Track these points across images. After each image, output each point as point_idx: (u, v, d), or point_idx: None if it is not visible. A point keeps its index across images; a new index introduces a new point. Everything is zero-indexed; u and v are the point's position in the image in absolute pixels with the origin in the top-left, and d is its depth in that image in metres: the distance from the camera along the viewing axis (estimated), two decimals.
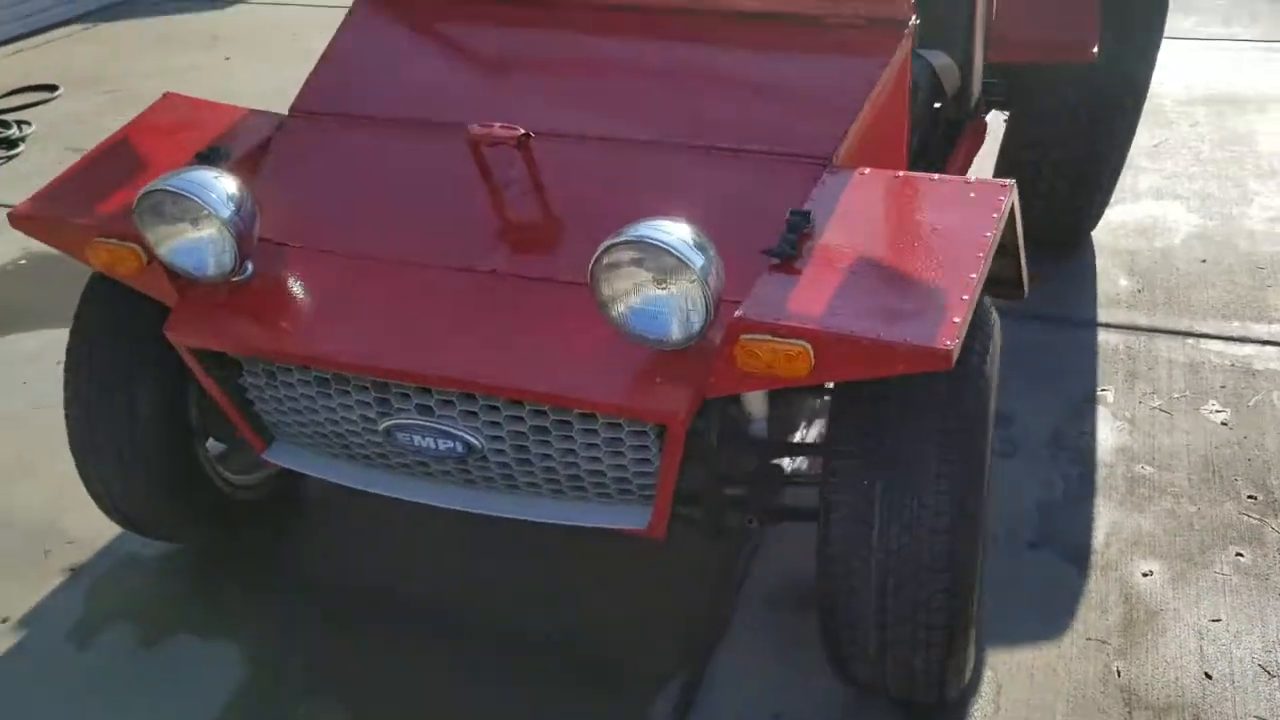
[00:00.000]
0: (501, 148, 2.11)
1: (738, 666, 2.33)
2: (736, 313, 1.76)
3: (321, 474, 2.24)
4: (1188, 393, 3.09)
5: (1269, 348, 3.28)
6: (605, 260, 1.76)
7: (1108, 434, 2.95)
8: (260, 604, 2.58)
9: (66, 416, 2.39)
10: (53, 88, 6.03)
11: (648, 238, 1.73)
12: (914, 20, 2.33)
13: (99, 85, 6.11)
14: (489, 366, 1.94)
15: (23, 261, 4.21)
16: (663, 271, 1.75)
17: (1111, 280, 3.68)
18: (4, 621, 2.56)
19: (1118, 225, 4.01)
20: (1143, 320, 3.45)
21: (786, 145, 2.14)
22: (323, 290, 2.11)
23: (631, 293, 1.79)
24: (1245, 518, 2.64)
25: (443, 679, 2.34)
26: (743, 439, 2.08)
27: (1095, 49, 3.17)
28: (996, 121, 3.52)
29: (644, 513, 2.05)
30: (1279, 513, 2.66)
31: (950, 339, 1.67)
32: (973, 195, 2.01)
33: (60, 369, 2.41)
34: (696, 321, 1.77)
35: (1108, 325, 3.43)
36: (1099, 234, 3.91)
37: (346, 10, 2.68)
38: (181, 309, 2.14)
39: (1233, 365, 3.20)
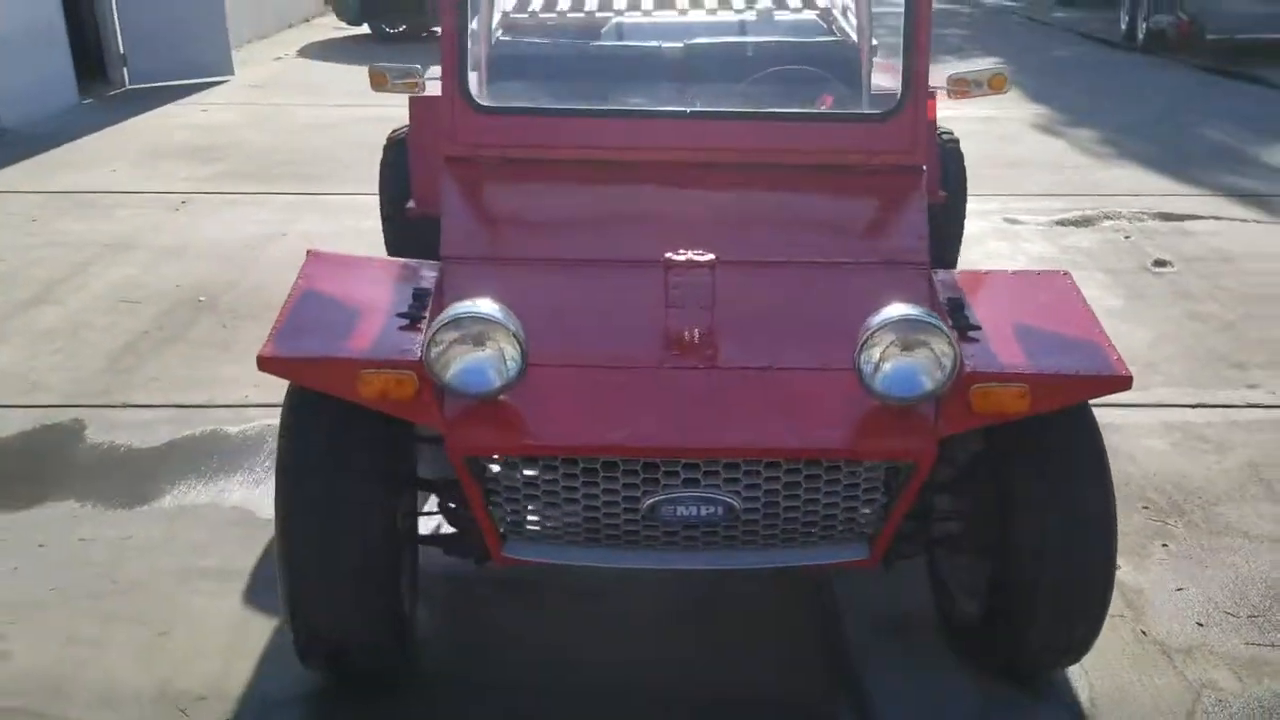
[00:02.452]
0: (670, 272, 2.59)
1: (890, 687, 2.84)
2: (967, 368, 2.38)
3: (567, 560, 2.55)
4: None
5: None
6: (874, 338, 2.32)
7: None
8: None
9: (286, 550, 2.50)
10: None
11: (909, 316, 2.33)
12: (924, 166, 3.12)
13: None
14: (753, 436, 2.41)
15: None
16: (916, 340, 2.34)
17: None
18: None
19: None
20: None
21: (894, 256, 2.82)
22: (577, 394, 2.48)
23: (885, 361, 2.36)
24: (1155, 522, 3.56)
25: None
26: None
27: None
28: None
29: (863, 547, 2.57)
30: (1180, 513, 3.60)
31: (1125, 368, 2.39)
32: (1040, 278, 2.79)
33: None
34: (941, 378, 2.36)
35: None
36: None
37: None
38: (459, 424, 2.41)
39: None
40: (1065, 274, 2.82)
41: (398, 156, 4.64)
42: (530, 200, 3.05)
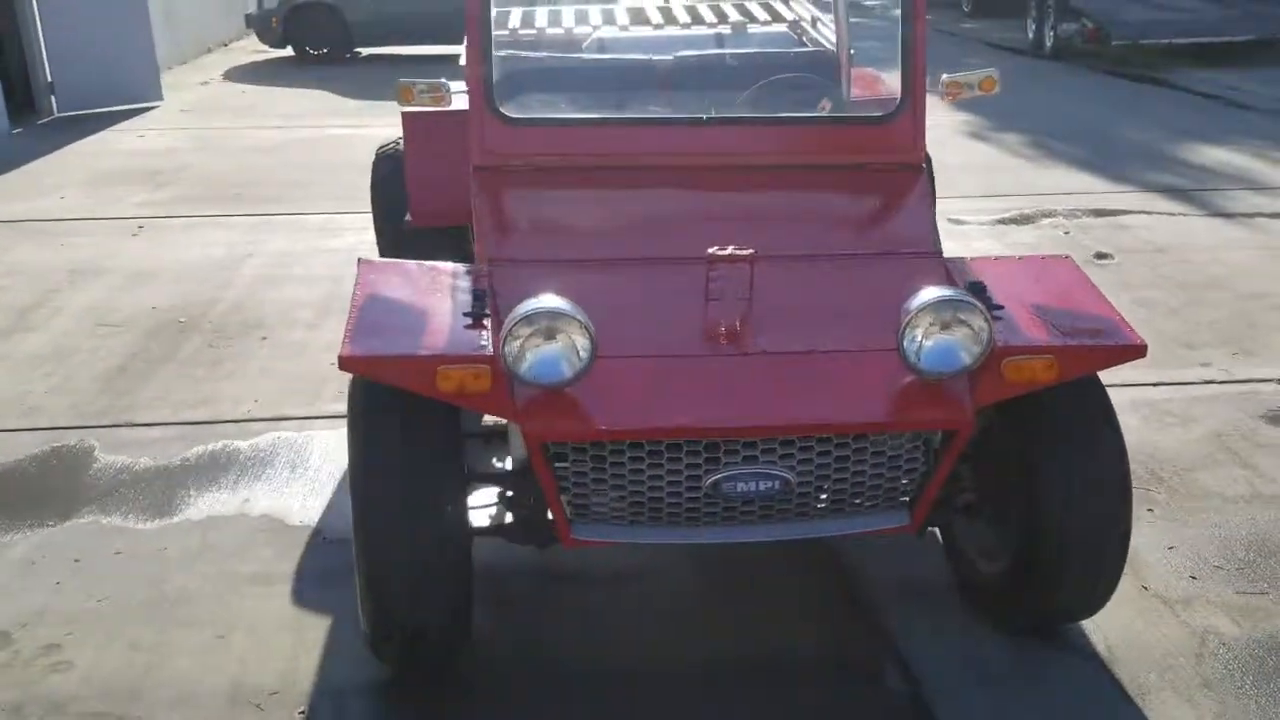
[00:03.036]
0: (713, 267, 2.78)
1: (923, 647, 3.03)
2: (998, 343, 2.60)
3: (636, 540, 2.71)
4: None
5: None
6: (916, 318, 2.53)
7: None
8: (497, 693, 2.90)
9: (366, 544, 2.62)
10: None
11: (947, 296, 2.54)
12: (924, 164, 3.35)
13: None
14: (806, 413, 2.60)
15: None
16: (957, 319, 2.55)
17: None
18: None
19: None
20: None
21: (910, 246, 3.04)
22: (638, 382, 2.65)
23: (926, 338, 2.56)
24: (1139, 490, 3.83)
25: None
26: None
27: None
28: None
29: (904, 514, 2.77)
30: (1159, 481, 3.88)
31: (1139, 338, 2.64)
32: (1047, 260, 3.03)
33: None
34: (978, 352, 2.58)
35: None
36: None
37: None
38: (534, 414, 2.56)
39: None
40: (1068, 258, 3.07)
41: (389, 172, 4.74)
42: (565, 205, 3.20)
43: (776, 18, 4.81)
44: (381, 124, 10.33)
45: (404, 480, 2.63)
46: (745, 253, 2.77)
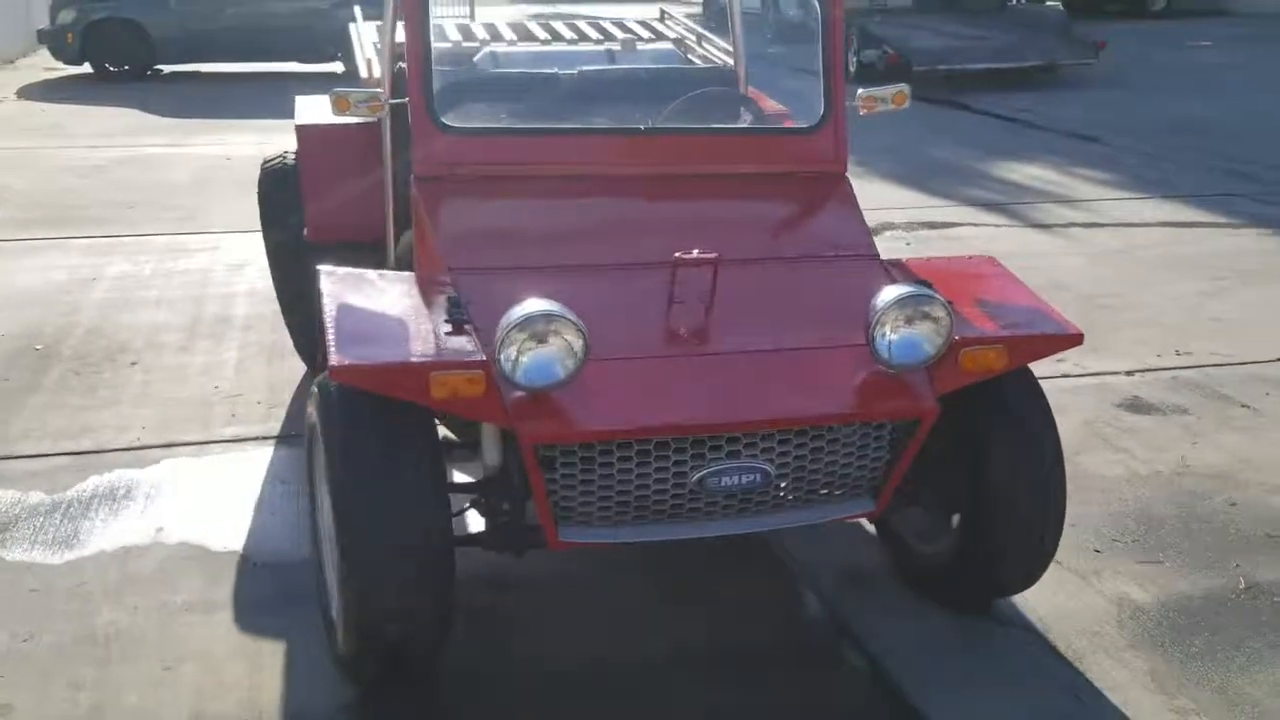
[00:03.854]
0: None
1: (875, 628, 3.18)
2: (956, 335, 2.77)
3: (621, 539, 2.75)
4: None
5: None
6: (884, 315, 2.68)
7: None
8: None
9: (351, 559, 2.56)
10: None
11: (913, 293, 2.70)
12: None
13: None
14: (786, 407, 2.72)
15: None
16: (921, 314, 2.71)
17: None
18: None
19: None
20: None
21: (851, 249, 3.19)
22: (622, 383, 2.70)
23: (893, 333, 2.72)
24: None
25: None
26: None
27: None
28: None
29: (869, 501, 2.92)
30: None
31: (1075, 328, 2.86)
32: (972, 260, 3.24)
33: None
34: (940, 343, 2.75)
35: None
36: None
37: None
38: (527, 417, 2.57)
39: None
40: (991, 258, 3.29)
41: (278, 186, 4.61)
42: (518, 214, 3.22)
43: (659, 36, 4.95)
44: (202, 142, 10.00)
45: (391, 492, 2.59)
46: (710, 256, 2.87)
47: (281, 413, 4.51)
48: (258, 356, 5.09)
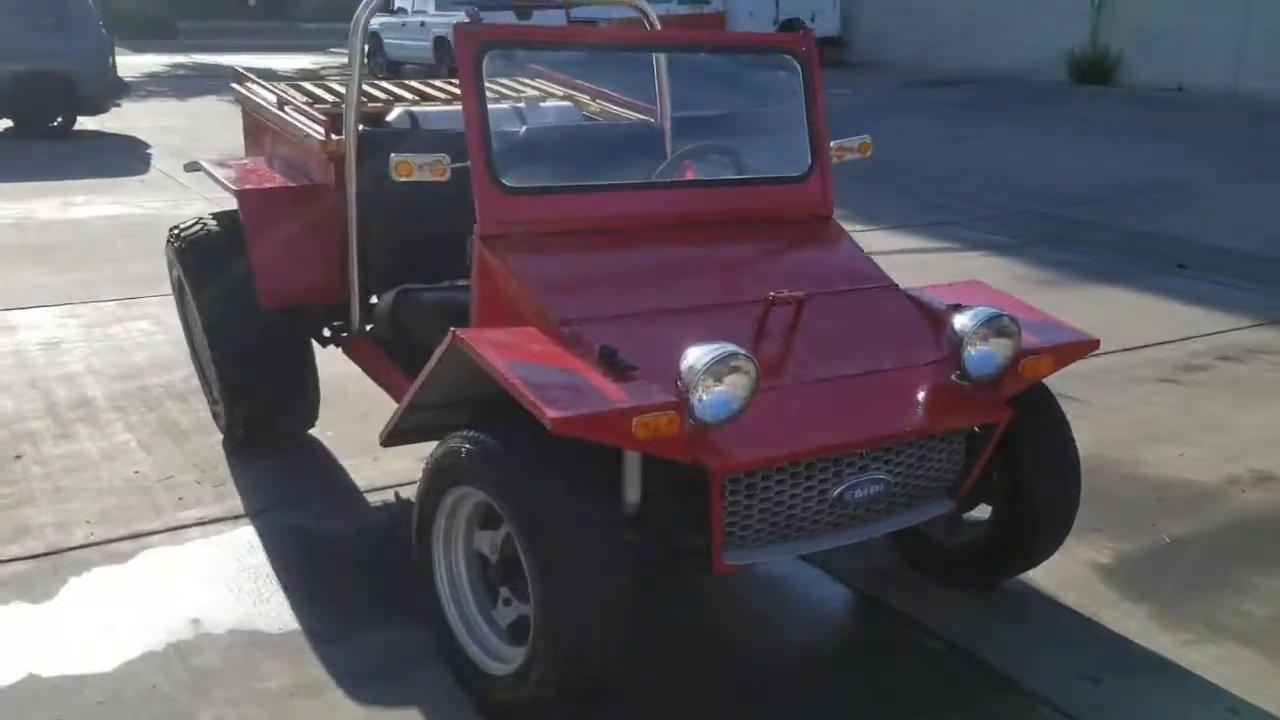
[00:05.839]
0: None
1: (928, 607, 3.60)
2: (1022, 344, 3.23)
3: (778, 556, 2.99)
4: None
5: None
6: (972, 334, 3.11)
7: None
8: None
9: (559, 607, 2.65)
10: None
11: (995, 313, 3.14)
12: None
13: None
14: (900, 422, 3.07)
15: None
16: (997, 330, 3.16)
17: None
18: None
19: None
20: None
21: (873, 281, 3.59)
22: (777, 412, 2.93)
23: (974, 349, 3.14)
24: None
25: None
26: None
27: None
28: None
29: (948, 501, 3.31)
30: None
31: (1091, 335, 3.41)
32: (968, 284, 3.73)
33: None
34: (1010, 355, 3.19)
35: None
36: None
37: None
38: (713, 451, 2.76)
39: None
40: (980, 281, 3.80)
41: (205, 254, 4.40)
42: (592, 265, 3.36)
43: (550, 94, 5.18)
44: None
45: (586, 536, 2.70)
46: (799, 295, 3.18)
47: (231, 489, 4.29)
48: (157, 436, 4.77)
